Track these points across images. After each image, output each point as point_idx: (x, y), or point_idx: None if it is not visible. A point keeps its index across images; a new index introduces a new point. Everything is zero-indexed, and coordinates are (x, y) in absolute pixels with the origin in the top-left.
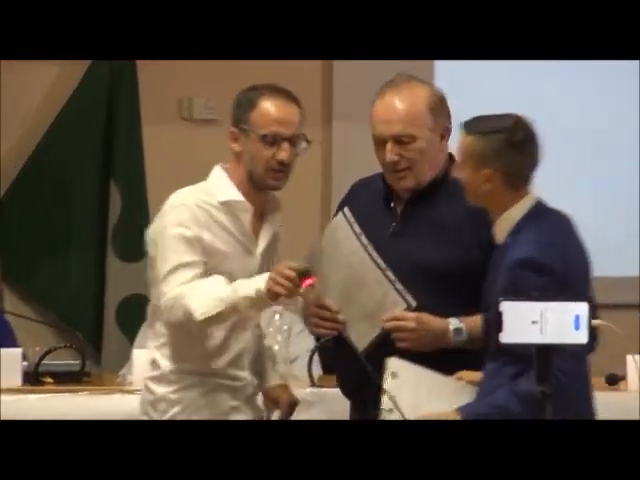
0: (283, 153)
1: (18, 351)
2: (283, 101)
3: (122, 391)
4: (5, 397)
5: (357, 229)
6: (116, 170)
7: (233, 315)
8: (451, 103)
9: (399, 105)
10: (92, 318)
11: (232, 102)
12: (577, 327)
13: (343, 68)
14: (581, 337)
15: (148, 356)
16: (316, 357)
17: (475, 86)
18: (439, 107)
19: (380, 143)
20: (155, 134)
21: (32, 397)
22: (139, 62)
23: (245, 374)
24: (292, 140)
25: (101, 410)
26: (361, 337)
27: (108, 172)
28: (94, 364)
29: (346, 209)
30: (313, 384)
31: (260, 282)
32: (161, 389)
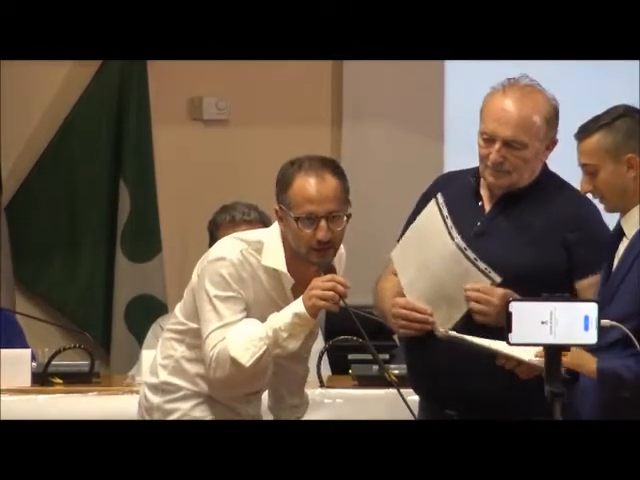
0: (321, 232)
1: (27, 351)
2: (318, 177)
3: (131, 392)
4: (14, 397)
5: (445, 212)
6: (126, 170)
7: (276, 349)
8: (462, 102)
9: (519, 110)
10: (101, 319)
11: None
12: (586, 327)
13: (353, 68)
14: (590, 337)
15: (152, 360)
16: (325, 358)
17: (485, 85)
18: (553, 119)
19: (488, 140)
20: (165, 134)
21: (41, 397)
22: (149, 62)
23: (251, 407)
24: (329, 217)
25: (110, 411)
26: (445, 320)
27: (118, 172)
28: (103, 365)
29: (439, 195)
30: (322, 385)
31: (294, 308)
32: (156, 399)
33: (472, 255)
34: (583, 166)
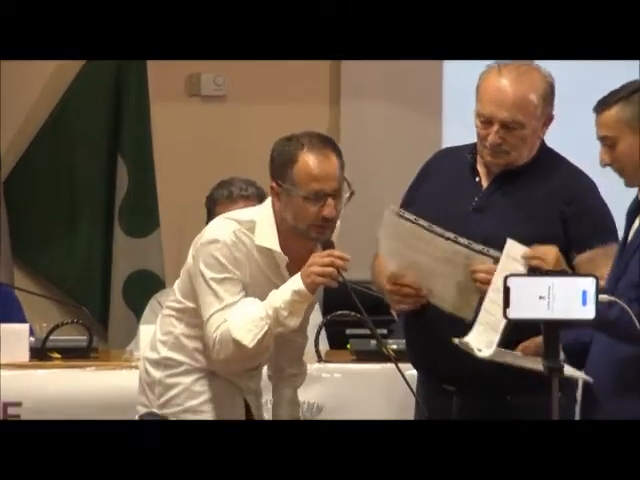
0: (327, 209)
1: (25, 326)
2: (322, 154)
3: (129, 367)
4: (12, 372)
5: (410, 216)
6: (124, 146)
7: (278, 328)
8: (460, 79)
9: (515, 90)
10: (99, 294)
11: (271, 153)
12: (584, 302)
13: None
14: (588, 312)
15: (152, 336)
16: (323, 332)
17: (483, 62)
18: (550, 96)
19: (485, 121)
20: (163, 110)
21: (39, 372)
22: None
23: (252, 382)
24: (335, 194)
25: (108, 386)
26: (465, 307)
27: (116, 148)
28: (101, 340)
29: (391, 207)
30: (320, 359)
31: (292, 285)
32: (158, 373)
33: (465, 241)
34: (602, 139)
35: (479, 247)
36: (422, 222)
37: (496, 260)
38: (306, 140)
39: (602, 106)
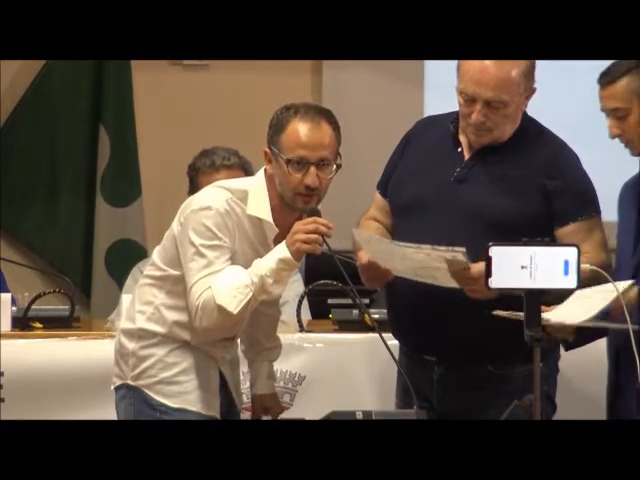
0: (310, 178)
1: (7, 296)
2: (313, 123)
3: (111, 336)
4: None
5: (374, 235)
6: (106, 115)
7: (262, 295)
8: (442, 70)
9: (498, 69)
10: (81, 263)
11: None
12: (566, 272)
13: None
14: (570, 282)
15: (129, 307)
16: (305, 302)
17: None
18: (532, 71)
19: (468, 100)
20: (144, 79)
21: (21, 342)
22: None
23: (227, 352)
24: (320, 164)
25: (90, 355)
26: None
27: (98, 117)
28: (83, 309)
29: (354, 230)
30: (302, 329)
31: (278, 253)
32: (132, 345)
33: (427, 246)
34: (612, 111)
35: (444, 248)
36: (385, 239)
37: (463, 254)
38: (302, 109)
39: (609, 77)
